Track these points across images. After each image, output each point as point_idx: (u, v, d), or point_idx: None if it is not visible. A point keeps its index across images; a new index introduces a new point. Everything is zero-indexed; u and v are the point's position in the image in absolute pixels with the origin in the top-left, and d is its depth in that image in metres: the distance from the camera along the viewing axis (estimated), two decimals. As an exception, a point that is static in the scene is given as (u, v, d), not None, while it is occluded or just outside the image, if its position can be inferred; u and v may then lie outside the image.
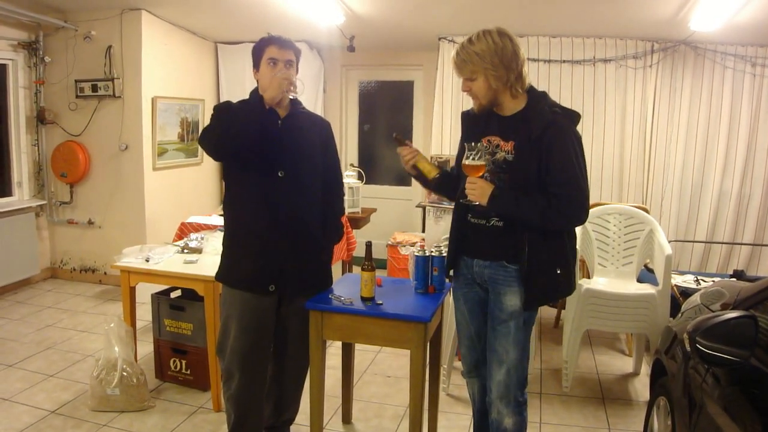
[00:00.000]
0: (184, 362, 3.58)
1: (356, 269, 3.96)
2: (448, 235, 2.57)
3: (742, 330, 1.74)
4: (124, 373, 3.25)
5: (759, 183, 5.30)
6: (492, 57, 2.18)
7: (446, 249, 2.65)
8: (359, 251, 4.25)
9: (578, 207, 2.24)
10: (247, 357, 2.65)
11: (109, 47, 5.43)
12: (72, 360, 4.00)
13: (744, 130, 5.24)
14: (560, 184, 2.19)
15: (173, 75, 5.85)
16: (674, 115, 5.35)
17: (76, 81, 5.54)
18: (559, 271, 2.30)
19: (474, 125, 2.41)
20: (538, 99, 2.30)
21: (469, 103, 2.50)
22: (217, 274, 2.76)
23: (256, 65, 2.61)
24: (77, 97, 5.58)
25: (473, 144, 2.25)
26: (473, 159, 2.23)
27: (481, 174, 2.24)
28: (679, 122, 5.35)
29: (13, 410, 3.30)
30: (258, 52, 2.60)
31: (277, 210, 2.58)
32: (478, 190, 2.22)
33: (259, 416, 2.80)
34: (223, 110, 2.57)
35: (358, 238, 5.12)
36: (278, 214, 2.59)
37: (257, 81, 2.62)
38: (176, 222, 4.83)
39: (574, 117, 2.30)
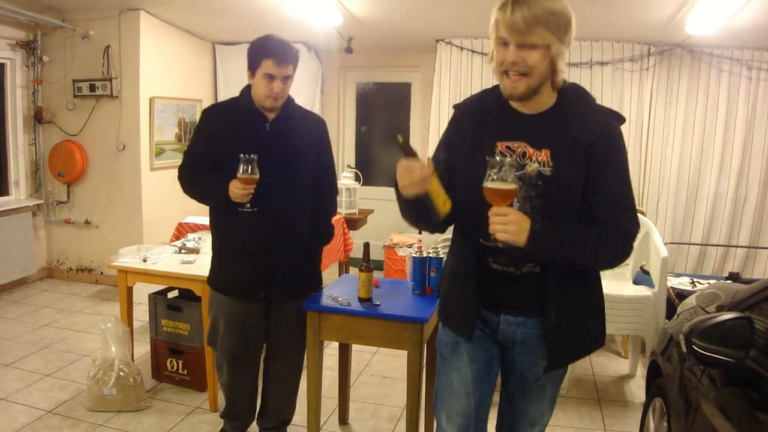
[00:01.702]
0: (180, 362, 3.58)
1: (353, 270, 3.97)
2: (444, 241, 2.23)
3: (737, 331, 1.75)
4: (121, 373, 3.25)
5: (754, 185, 5.33)
6: (566, 24, 1.60)
7: (444, 250, 2.55)
8: (356, 252, 4.26)
9: (632, 239, 1.70)
10: (235, 355, 2.73)
11: (107, 47, 5.42)
12: (68, 360, 4.00)
13: (740, 132, 5.26)
14: (614, 210, 1.66)
15: (171, 75, 5.85)
16: (670, 117, 5.37)
17: (73, 81, 5.53)
18: (592, 323, 1.83)
19: (479, 124, 1.76)
20: (579, 93, 1.74)
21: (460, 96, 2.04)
22: (208, 279, 2.80)
23: (252, 69, 2.53)
24: (75, 96, 5.57)
25: (497, 157, 1.61)
26: (502, 180, 1.54)
27: (511, 201, 1.59)
28: (675, 125, 5.37)
29: (9, 410, 3.29)
30: (255, 59, 2.50)
31: (264, 217, 2.56)
32: (513, 226, 1.56)
33: (250, 404, 2.91)
34: (187, 174, 2.71)
35: (355, 239, 5.13)
36: (266, 221, 2.56)
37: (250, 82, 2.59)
38: (173, 222, 4.83)
39: (621, 120, 1.74)
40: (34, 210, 5.79)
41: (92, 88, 5.47)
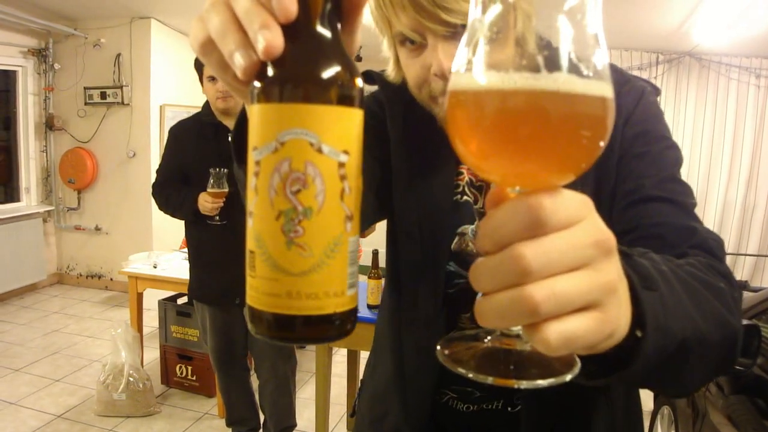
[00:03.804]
0: (190, 368, 3.60)
1: (361, 278, 3.98)
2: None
3: (745, 339, 1.75)
4: (131, 379, 3.27)
5: (763, 193, 5.32)
6: None
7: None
8: (365, 260, 4.28)
9: (719, 258, 0.72)
10: (221, 358, 2.85)
11: (118, 55, 5.48)
12: (78, 365, 4.02)
13: (748, 140, 5.26)
14: (687, 212, 0.78)
15: (181, 83, 5.89)
16: (679, 126, 5.37)
17: (85, 88, 5.59)
18: None
19: (427, 125, 0.87)
20: None
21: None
22: (188, 289, 2.88)
23: (201, 81, 2.62)
24: (86, 104, 5.63)
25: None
26: None
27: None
28: (683, 133, 5.37)
29: (19, 414, 3.31)
30: (198, 68, 2.61)
31: (232, 228, 2.60)
32: (602, 278, 0.39)
33: (250, 407, 2.98)
34: (160, 192, 2.79)
35: (364, 246, 5.13)
36: (234, 232, 2.61)
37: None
38: (183, 229, 4.85)
39: (627, 77, 0.90)
40: (45, 216, 5.84)
41: (103, 95, 5.52)
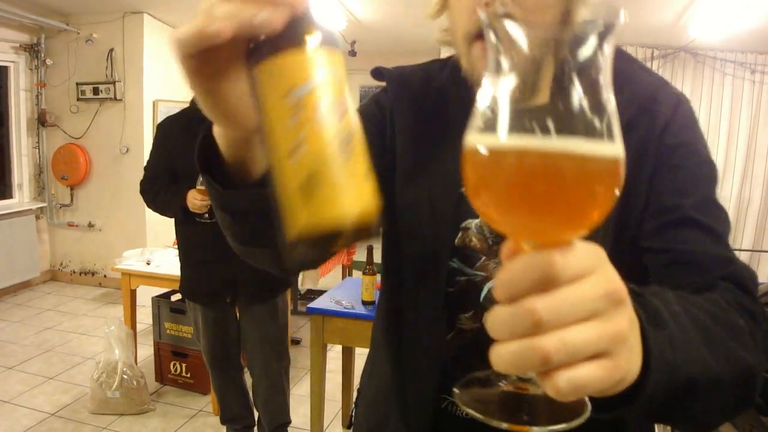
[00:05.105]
0: (184, 365, 3.58)
1: (356, 273, 3.97)
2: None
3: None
4: (125, 376, 3.25)
5: (758, 188, 5.33)
6: None
7: None
8: (359, 256, 4.27)
9: (752, 303, 0.68)
10: (214, 357, 2.83)
11: (111, 50, 5.44)
12: (72, 363, 4.00)
13: (743, 135, 5.26)
14: (723, 242, 0.76)
15: (174, 78, 5.85)
16: (674, 121, 5.38)
17: (77, 84, 5.55)
18: None
19: (431, 122, 0.91)
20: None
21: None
22: (180, 287, 2.87)
23: None
24: (78, 99, 5.59)
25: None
26: None
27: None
28: (678, 128, 5.38)
29: (13, 413, 3.30)
30: None
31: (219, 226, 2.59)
32: (616, 324, 0.41)
33: (244, 405, 2.96)
34: (148, 189, 2.83)
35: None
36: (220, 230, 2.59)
37: None
38: (176, 225, 4.84)
39: (669, 92, 0.86)
40: (38, 213, 5.81)
41: (96, 91, 5.49)
